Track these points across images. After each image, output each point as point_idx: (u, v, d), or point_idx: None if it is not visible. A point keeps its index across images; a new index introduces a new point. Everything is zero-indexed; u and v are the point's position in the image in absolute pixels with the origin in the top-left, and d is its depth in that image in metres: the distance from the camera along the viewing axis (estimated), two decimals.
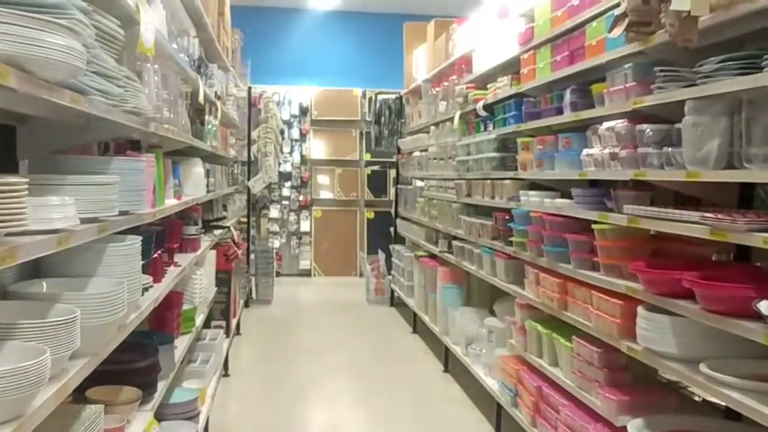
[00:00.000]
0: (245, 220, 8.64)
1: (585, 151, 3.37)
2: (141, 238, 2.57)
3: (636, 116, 2.95)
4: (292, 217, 10.94)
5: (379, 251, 9.27)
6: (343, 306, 8.72)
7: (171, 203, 3.41)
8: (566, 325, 3.51)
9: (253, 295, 8.63)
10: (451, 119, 5.97)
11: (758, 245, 2.13)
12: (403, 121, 8.90)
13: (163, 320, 3.46)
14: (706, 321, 2.36)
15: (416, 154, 7.72)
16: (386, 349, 6.72)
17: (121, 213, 2.33)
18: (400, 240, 8.75)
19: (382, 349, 6.76)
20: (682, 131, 2.52)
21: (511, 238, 4.27)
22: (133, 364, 2.83)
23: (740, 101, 2.30)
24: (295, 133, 10.93)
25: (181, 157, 4.23)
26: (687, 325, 2.54)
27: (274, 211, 10.80)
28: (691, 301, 2.46)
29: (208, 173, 4.77)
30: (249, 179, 8.62)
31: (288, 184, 10.89)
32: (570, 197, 3.57)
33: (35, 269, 2.37)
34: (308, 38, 10.83)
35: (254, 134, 8.86)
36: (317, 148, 10.99)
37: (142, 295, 2.67)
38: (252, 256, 8.60)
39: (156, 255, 3.12)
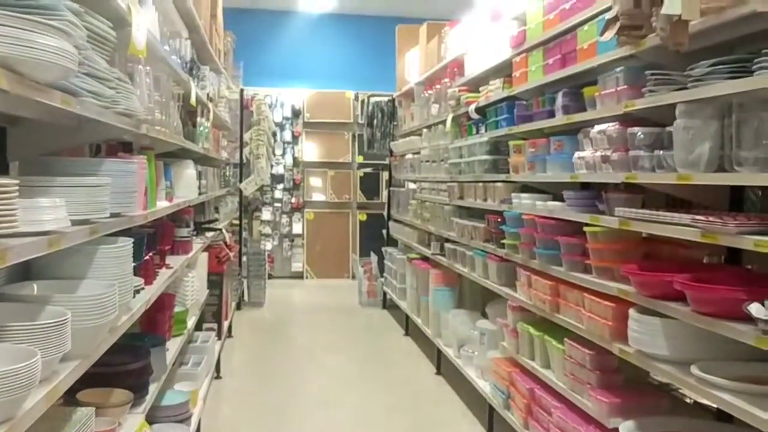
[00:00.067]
0: (237, 222, 8.64)
1: (577, 154, 3.38)
2: (132, 240, 2.57)
3: (627, 119, 2.96)
4: (285, 219, 10.93)
5: (372, 253, 9.26)
6: (335, 308, 8.71)
7: (163, 205, 3.40)
8: (558, 328, 3.52)
9: (245, 297, 8.61)
10: (444, 122, 5.98)
11: (749, 248, 2.14)
12: (395, 123, 8.91)
13: (155, 322, 3.45)
14: (697, 323, 2.37)
15: (409, 156, 7.72)
16: (378, 352, 6.72)
17: (113, 215, 2.33)
18: (392, 242, 8.75)
19: (374, 351, 6.75)
20: (674, 134, 2.53)
21: (503, 241, 4.28)
22: (124, 366, 2.82)
23: (731, 104, 2.31)
24: (288, 136, 10.92)
25: (173, 159, 4.22)
26: (678, 327, 2.55)
27: (266, 214, 10.78)
28: (682, 304, 2.46)
29: (200, 175, 4.76)
30: (241, 181, 8.61)
31: (280, 186, 10.88)
32: (562, 200, 3.58)
33: (26, 271, 2.36)
34: (301, 41, 10.82)
35: (246, 136, 8.85)
36: (309, 150, 10.98)
37: (134, 297, 2.66)
38: (244, 259, 8.58)
39: (147, 257, 3.11)
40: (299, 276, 10.77)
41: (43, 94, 1.69)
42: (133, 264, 2.59)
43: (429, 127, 6.79)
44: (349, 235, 10.90)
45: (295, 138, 10.95)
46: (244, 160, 8.85)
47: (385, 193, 9.93)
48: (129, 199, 2.52)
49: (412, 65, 7.84)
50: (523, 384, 3.85)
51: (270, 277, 9.54)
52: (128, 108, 2.44)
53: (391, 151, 8.83)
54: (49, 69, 1.64)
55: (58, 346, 1.78)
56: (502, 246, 4.33)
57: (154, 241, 3.34)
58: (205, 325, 5.45)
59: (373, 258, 9.13)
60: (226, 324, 6.24)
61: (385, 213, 9.39)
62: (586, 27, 3.35)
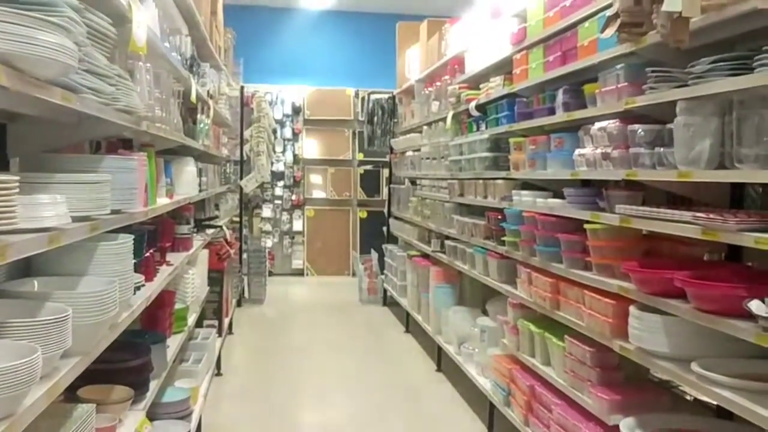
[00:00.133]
0: (238, 219, 8.64)
1: (577, 151, 3.38)
2: (133, 236, 2.57)
3: (628, 116, 2.96)
4: (285, 216, 10.92)
5: (372, 251, 9.26)
6: (335, 306, 8.71)
7: (163, 202, 3.40)
8: (558, 325, 3.52)
9: (246, 294, 8.62)
10: (444, 119, 5.98)
11: (749, 245, 2.14)
12: (395, 120, 8.91)
13: (156, 319, 3.45)
14: (697, 320, 2.37)
15: (409, 153, 7.72)
16: (379, 349, 6.72)
17: (113, 212, 2.33)
18: (392, 239, 8.76)
19: (374, 348, 6.75)
20: (674, 131, 2.53)
21: (503, 238, 4.28)
22: (125, 363, 2.82)
23: (731, 102, 2.31)
24: (288, 133, 10.91)
25: (173, 156, 4.22)
26: (679, 324, 2.55)
27: (266, 211, 10.78)
28: (682, 301, 2.46)
29: (200, 172, 4.76)
30: (241, 178, 8.61)
31: (281, 183, 10.88)
32: (562, 197, 3.58)
33: (26, 268, 2.37)
34: (301, 37, 10.81)
35: (247, 133, 8.85)
36: (310, 147, 10.98)
37: (134, 293, 2.66)
38: (244, 256, 8.59)
39: (148, 254, 3.11)
40: (300, 273, 10.78)
41: (43, 90, 1.69)
42: (133, 261, 2.59)
43: (429, 124, 6.78)
44: (349, 233, 10.90)
45: (296, 135, 10.94)
46: (245, 158, 8.85)
47: (385, 191, 9.93)
48: (129, 195, 2.52)
49: (413, 62, 7.83)
50: (523, 381, 3.85)
51: (270, 274, 9.55)
52: (128, 105, 2.44)
53: (391, 149, 8.82)
54: (50, 65, 1.63)
55: (58, 342, 1.78)
56: (503, 243, 4.33)
57: (154, 238, 3.34)
58: (206, 322, 5.44)
59: (374, 255, 9.14)
60: (226, 321, 6.24)
61: (385, 210, 9.39)
62: (586, 24, 3.34)
